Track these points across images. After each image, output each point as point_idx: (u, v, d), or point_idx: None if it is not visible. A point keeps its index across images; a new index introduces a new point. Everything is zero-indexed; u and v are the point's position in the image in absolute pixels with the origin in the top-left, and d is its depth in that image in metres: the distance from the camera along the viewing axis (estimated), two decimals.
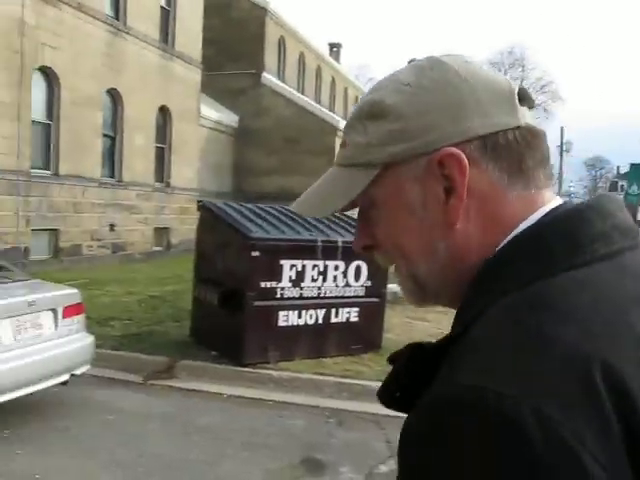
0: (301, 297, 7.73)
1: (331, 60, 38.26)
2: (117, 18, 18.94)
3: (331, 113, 27.17)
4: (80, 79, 17.07)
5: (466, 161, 0.77)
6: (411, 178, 0.80)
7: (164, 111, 21.40)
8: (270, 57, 28.19)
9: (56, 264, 15.80)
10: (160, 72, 20.87)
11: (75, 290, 6.36)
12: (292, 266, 7.57)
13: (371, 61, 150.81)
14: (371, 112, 0.83)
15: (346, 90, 41.02)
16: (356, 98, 41.58)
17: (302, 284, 7.72)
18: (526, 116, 0.81)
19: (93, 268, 16.25)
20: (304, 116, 26.33)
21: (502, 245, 0.77)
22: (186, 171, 22.78)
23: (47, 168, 16.44)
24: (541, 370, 0.61)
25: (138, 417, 6.32)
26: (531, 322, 0.66)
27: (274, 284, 7.51)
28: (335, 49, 44.46)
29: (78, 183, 17.17)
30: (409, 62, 0.88)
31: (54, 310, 5.92)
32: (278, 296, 7.55)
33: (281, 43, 29.78)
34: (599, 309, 0.68)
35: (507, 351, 0.64)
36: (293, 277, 7.63)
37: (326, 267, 7.83)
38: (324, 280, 7.86)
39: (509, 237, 0.77)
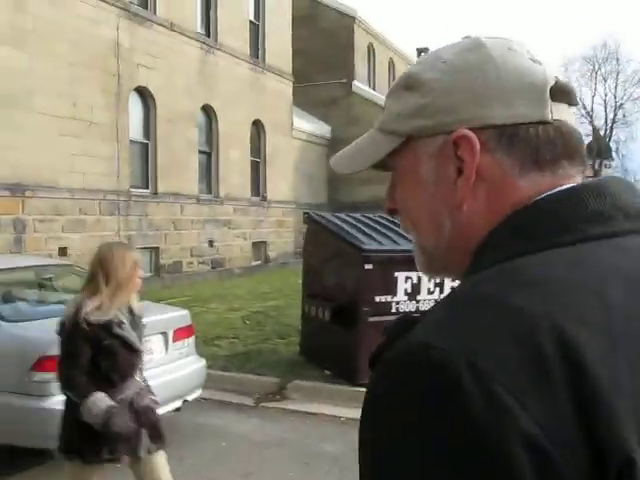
0: (417, 311, 7.21)
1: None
2: (208, 35, 19.00)
3: None
4: (175, 97, 17.15)
5: (478, 146, 0.78)
6: (428, 153, 0.82)
7: (258, 125, 21.34)
8: (360, 65, 27.85)
9: (157, 282, 15.81)
10: (252, 86, 20.82)
11: (185, 311, 6.07)
12: (407, 278, 7.09)
13: None
14: (407, 83, 0.85)
15: None
16: None
17: (418, 297, 7.24)
18: (560, 112, 0.80)
19: (193, 284, 16.21)
20: None
21: (496, 225, 0.78)
22: (281, 184, 22.64)
23: (146, 187, 16.55)
24: (485, 327, 0.62)
25: (253, 444, 5.98)
26: (489, 287, 0.68)
27: (389, 298, 7.05)
28: (423, 54, 43.57)
29: (176, 200, 17.23)
30: (463, 38, 0.87)
31: (164, 333, 5.63)
32: (393, 310, 7.07)
33: (370, 50, 29.44)
34: (570, 281, 0.66)
35: (457, 309, 0.67)
36: (409, 290, 7.16)
37: (443, 278, 7.27)
38: (441, 292, 7.33)
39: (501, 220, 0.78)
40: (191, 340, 6.02)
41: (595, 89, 56.89)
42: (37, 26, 13.48)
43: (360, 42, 27.91)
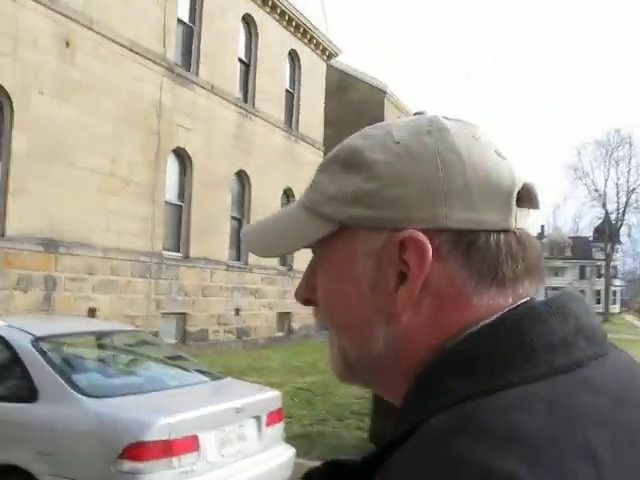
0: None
1: None
2: (246, 100, 18.71)
3: None
4: (211, 160, 16.72)
5: (430, 252, 0.64)
6: (366, 250, 0.69)
7: (288, 193, 20.86)
8: None
9: (184, 349, 14.99)
10: (285, 154, 20.46)
11: (277, 392, 5.30)
12: None
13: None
14: (347, 160, 0.71)
15: None
16: None
17: None
18: (523, 220, 0.68)
19: (220, 354, 15.38)
20: None
21: (441, 352, 0.64)
22: (307, 254, 21.99)
23: (178, 250, 15.94)
24: None
25: None
26: (461, 446, 0.53)
27: None
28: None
29: (207, 266, 16.58)
30: (415, 114, 0.49)
31: (258, 418, 4.85)
32: None
33: None
34: (555, 435, 0.54)
35: None
36: None
37: None
38: None
39: (451, 343, 0.65)
40: (281, 425, 5.25)
41: (608, 173, 57.11)
42: (84, 79, 13.09)
43: (389, 116, 27.75)
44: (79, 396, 4.20)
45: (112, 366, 5.19)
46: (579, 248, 76.66)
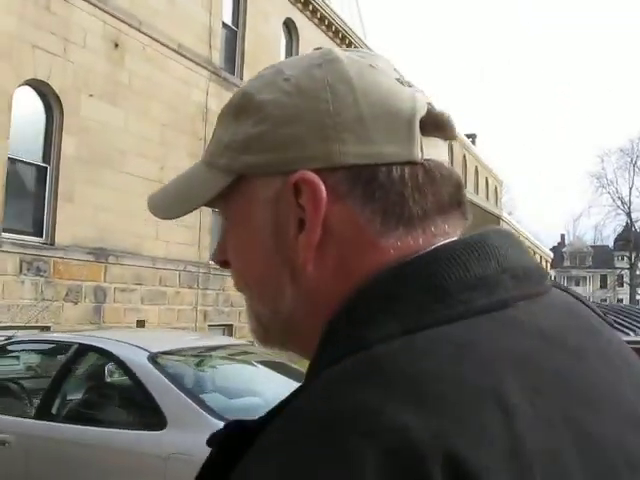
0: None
1: (475, 150, 36.73)
2: None
3: (492, 203, 25.26)
4: None
5: (324, 193, 0.59)
6: (263, 198, 0.63)
7: None
8: None
9: None
10: None
11: None
12: None
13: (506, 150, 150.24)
14: (238, 106, 0.66)
15: (487, 180, 39.18)
16: (495, 189, 39.77)
17: None
18: (433, 149, 0.62)
19: None
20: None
21: (352, 296, 0.58)
22: None
23: None
24: (345, 463, 0.44)
25: None
26: (344, 396, 0.48)
27: None
28: (471, 139, 43.13)
29: None
30: (315, 49, 0.69)
31: None
32: None
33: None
34: (460, 380, 0.48)
35: (308, 434, 0.47)
36: None
37: None
38: None
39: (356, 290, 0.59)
40: None
41: (632, 181, 56.13)
42: (133, 82, 12.51)
43: None
44: (213, 420, 3.51)
45: (234, 383, 4.49)
46: (600, 257, 75.61)
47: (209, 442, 0.63)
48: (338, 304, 0.59)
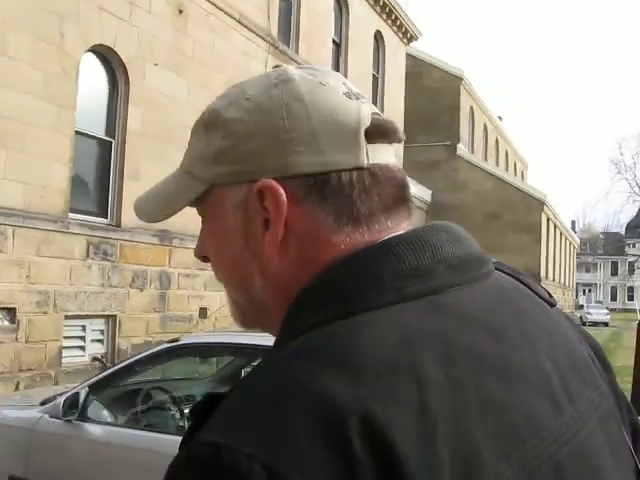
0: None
1: (506, 134, 35.66)
2: None
3: (534, 186, 24.30)
4: None
5: (284, 197, 0.67)
6: (234, 204, 0.72)
7: None
8: (463, 128, 25.84)
9: None
10: None
11: None
12: None
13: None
14: (208, 121, 0.74)
15: (515, 165, 38.13)
16: (522, 174, 38.70)
17: None
18: (379, 154, 0.70)
19: None
20: (506, 190, 23.63)
21: (301, 289, 0.67)
22: None
23: None
24: (286, 420, 0.52)
25: None
26: (285, 368, 0.57)
27: None
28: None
29: None
30: (274, 67, 0.77)
31: None
32: None
33: (471, 114, 27.47)
34: (379, 355, 0.57)
35: (256, 398, 0.56)
36: None
37: None
38: None
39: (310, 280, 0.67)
40: None
41: None
42: (196, 52, 11.46)
43: (464, 104, 26.01)
44: None
45: None
46: (611, 244, 74.58)
47: (191, 411, 0.69)
48: (297, 292, 0.67)
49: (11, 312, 8.30)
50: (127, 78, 10.09)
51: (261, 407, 0.54)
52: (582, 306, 44.18)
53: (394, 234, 0.68)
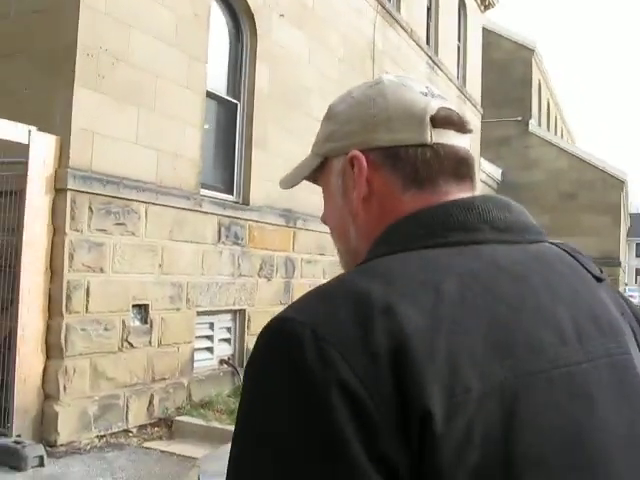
0: None
1: (563, 111, 33.57)
2: (434, 52, 15.12)
3: (613, 165, 22.36)
4: None
5: (364, 163, 0.88)
6: (336, 171, 0.93)
7: None
8: (534, 103, 23.88)
9: None
10: None
11: None
12: None
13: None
14: (327, 114, 0.98)
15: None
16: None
17: None
18: (444, 137, 0.87)
19: None
20: (583, 169, 21.77)
21: (380, 232, 0.86)
22: None
23: None
24: (333, 303, 0.70)
25: None
26: (342, 277, 0.76)
27: None
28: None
29: None
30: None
31: None
32: None
33: (540, 88, 25.48)
34: (412, 274, 0.73)
35: (315, 295, 0.74)
36: None
37: None
38: None
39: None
40: None
41: None
42: (316, 5, 9.64)
43: (535, 77, 24.04)
44: None
45: None
46: (638, 226, 72.44)
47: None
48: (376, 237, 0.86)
49: (142, 309, 6.57)
50: (255, 30, 8.29)
51: (319, 297, 0.73)
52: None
53: (452, 198, 0.85)
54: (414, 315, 0.66)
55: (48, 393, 5.65)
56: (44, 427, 5.59)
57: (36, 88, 5.83)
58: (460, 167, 0.88)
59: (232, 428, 0.73)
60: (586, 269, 0.84)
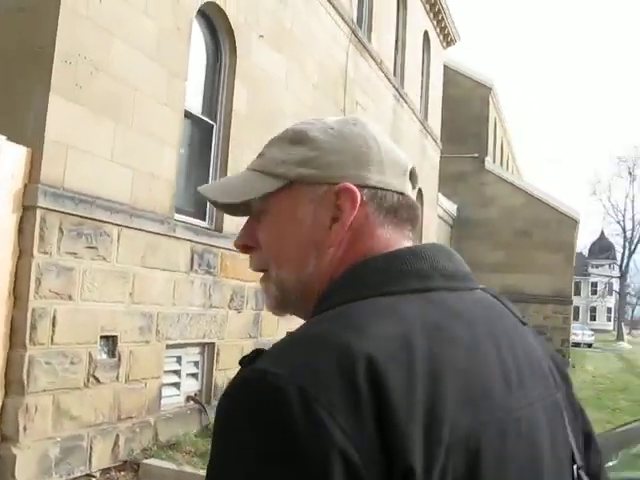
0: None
1: (514, 149, 33.99)
2: (399, 82, 15.01)
3: (567, 203, 22.59)
4: None
5: (359, 197, 0.88)
6: (309, 199, 0.90)
7: (417, 195, 17.18)
8: (490, 140, 24.05)
9: None
10: (420, 150, 16.81)
11: None
12: None
13: None
14: (294, 137, 0.93)
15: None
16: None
17: None
18: (408, 189, 0.95)
19: None
20: (537, 207, 21.92)
21: (341, 273, 0.86)
22: None
23: None
24: (315, 358, 0.68)
25: None
26: (318, 327, 0.76)
27: None
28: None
29: None
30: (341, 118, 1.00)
31: None
32: None
33: (495, 126, 25.72)
34: (385, 326, 0.73)
35: (293, 345, 0.73)
36: None
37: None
38: None
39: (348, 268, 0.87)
40: None
41: (630, 188, 54.65)
42: (294, 28, 9.36)
43: (492, 115, 24.26)
44: None
45: None
46: (579, 265, 74.22)
47: (240, 362, 0.77)
48: (335, 278, 0.87)
49: (110, 341, 6.01)
50: (234, 49, 7.91)
51: (299, 349, 0.71)
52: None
53: (407, 244, 0.91)
54: (394, 371, 0.68)
55: (5, 434, 5.02)
56: (0, 472, 4.95)
57: (7, 93, 5.29)
58: (416, 219, 0.95)
59: (204, 473, 0.68)
60: (513, 313, 0.92)
